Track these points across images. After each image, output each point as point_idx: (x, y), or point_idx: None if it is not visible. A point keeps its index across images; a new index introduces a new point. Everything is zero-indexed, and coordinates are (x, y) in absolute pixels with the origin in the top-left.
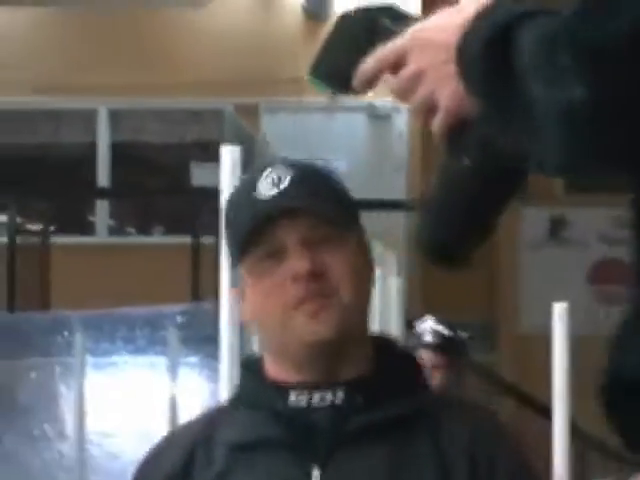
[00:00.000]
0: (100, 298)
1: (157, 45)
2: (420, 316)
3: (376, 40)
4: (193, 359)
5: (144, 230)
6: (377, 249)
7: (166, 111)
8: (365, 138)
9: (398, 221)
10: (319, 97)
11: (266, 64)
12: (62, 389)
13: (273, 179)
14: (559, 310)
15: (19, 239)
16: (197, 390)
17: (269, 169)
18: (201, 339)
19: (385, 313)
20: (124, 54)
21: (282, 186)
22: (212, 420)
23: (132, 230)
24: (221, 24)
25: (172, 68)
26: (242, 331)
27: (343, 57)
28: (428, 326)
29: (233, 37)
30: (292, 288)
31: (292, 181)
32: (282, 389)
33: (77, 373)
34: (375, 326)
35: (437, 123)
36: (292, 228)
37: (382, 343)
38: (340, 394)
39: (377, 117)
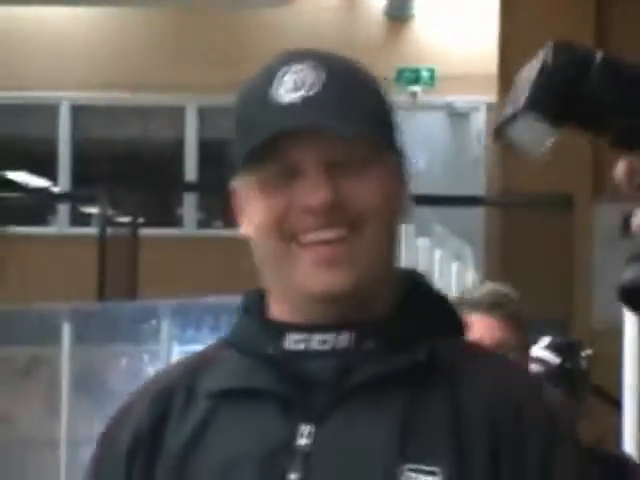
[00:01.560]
0: (186, 288)
1: (243, 43)
2: None
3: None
4: None
5: (230, 223)
6: (455, 243)
7: None
8: (444, 136)
9: (476, 217)
10: (399, 96)
11: None
12: (149, 376)
13: (296, 80)
14: None
15: (109, 230)
16: None
17: (295, 62)
18: None
19: None
20: (212, 52)
21: (307, 91)
22: (195, 366)
23: (219, 223)
24: (305, 24)
25: (258, 66)
26: None
27: (562, 89)
28: (534, 353)
29: (316, 37)
30: (301, 220)
31: (320, 86)
32: (279, 330)
33: (164, 360)
34: None
35: None
36: (312, 147)
37: (412, 281)
38: (346, 337)
39: (456, 115)
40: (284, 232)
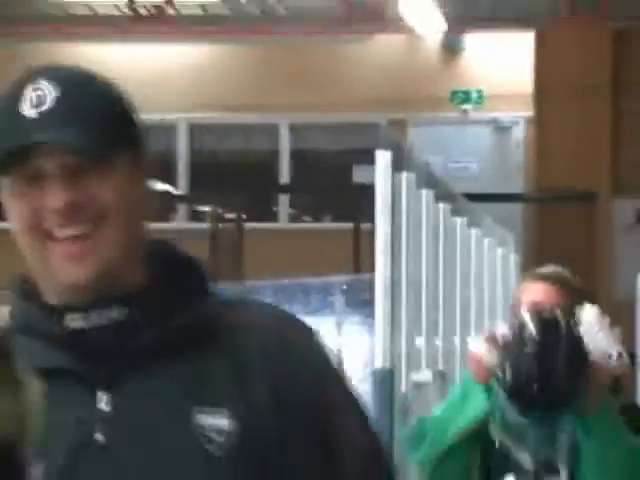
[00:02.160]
0: (282, 271)
1: (328, 71)
2: None
3: None
4: (355, 318)
5: (317, 218)
6: (500, 232)
7: (335, 124)
8: (490, 146)
9: (517, 210)
10: (453, 113)
11: (412, 87)
12: None
13: (35, 97)
14: None
15: (219, 225)
16: (358, 343)
17: (34, 84)
18: (361, 302)
19: (506, 284)
20: (302, 78)
21: (43, 108)
22: None
23: (307, 218)
24: (377, 55)
25: (339, 89)
26: (393, 295)
27: None
28: None
29: (386, 65)
30: (50, 219)
31: (54, 102)
32: (57, 311)
33: None
34: (498, 297)
35: None
36: (52, 156)
37: (162, 251)
38: (118, 310)
39: (500, 129)
40: (39, 231)
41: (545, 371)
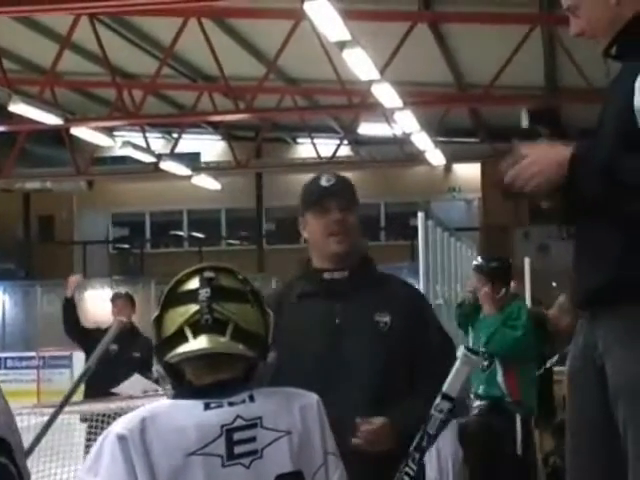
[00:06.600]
0: None
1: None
2: None
3: None
4: None
5: None
6: None
7: None
8: None
9: None
10: None
11: None
12: None
13: (327, 178)
14: None
15: None
16: None
17: (324, 176)
18: None
19: None
20: None
21: (330, 183)
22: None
23: None
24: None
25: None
26: None
27: None
28: None
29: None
30: (332, 226)
31: (335, 181)
32: (320, 270)
33: None
34: None
35: (533, 183)
36: (335, 202)
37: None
38: (344, 273)
39: None
40: (325, 233)
41: None
